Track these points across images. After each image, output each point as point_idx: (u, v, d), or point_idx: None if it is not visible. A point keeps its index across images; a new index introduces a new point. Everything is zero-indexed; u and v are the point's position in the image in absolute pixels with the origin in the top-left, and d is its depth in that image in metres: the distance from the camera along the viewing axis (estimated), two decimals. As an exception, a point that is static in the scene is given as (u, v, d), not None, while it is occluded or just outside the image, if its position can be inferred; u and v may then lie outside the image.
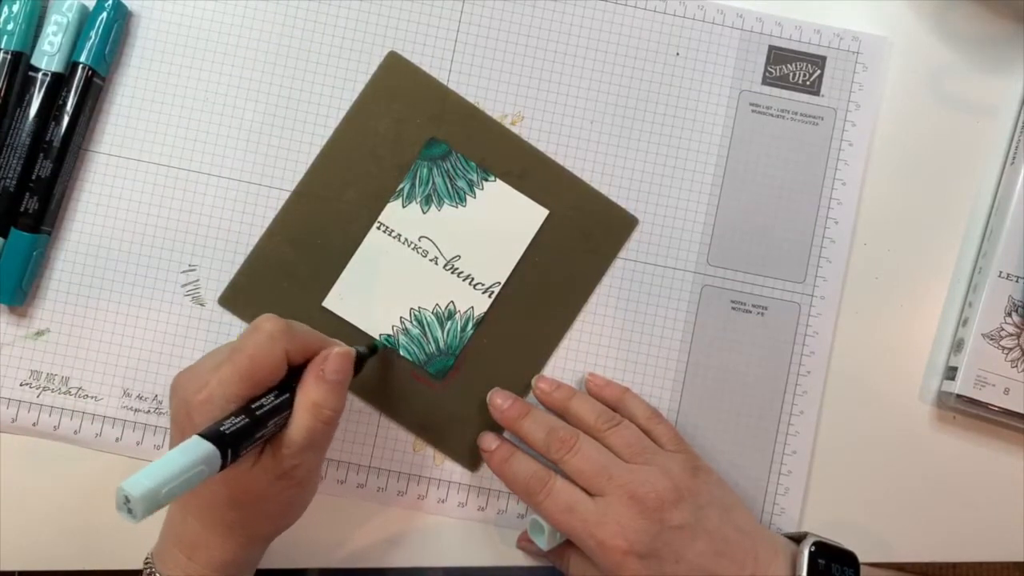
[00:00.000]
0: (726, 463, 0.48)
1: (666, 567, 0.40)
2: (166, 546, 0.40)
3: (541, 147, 0.49)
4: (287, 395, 0.37)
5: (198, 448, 0.32)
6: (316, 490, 0.41)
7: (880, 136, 0.50)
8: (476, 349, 0.48)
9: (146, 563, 0.40)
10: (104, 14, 0.46)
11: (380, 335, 0.47)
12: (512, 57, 0.49)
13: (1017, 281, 0.47)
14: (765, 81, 0.49)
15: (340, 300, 0.48)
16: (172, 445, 0.38)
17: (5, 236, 0.46)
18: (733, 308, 0.49)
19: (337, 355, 0.39)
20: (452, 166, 0.48)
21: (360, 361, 0.43)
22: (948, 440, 0.49)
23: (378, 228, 0.48)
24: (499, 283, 0.48)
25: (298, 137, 0.48)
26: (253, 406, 0.36)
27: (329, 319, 0.47)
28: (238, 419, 0.34)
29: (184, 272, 0.48)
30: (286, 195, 0.48)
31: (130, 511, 0.28)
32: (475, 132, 0.48)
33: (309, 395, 0.38)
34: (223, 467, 0.33)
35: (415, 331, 0.48)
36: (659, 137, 0.49)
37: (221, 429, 0.33)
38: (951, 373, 0.48)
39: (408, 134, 0.48)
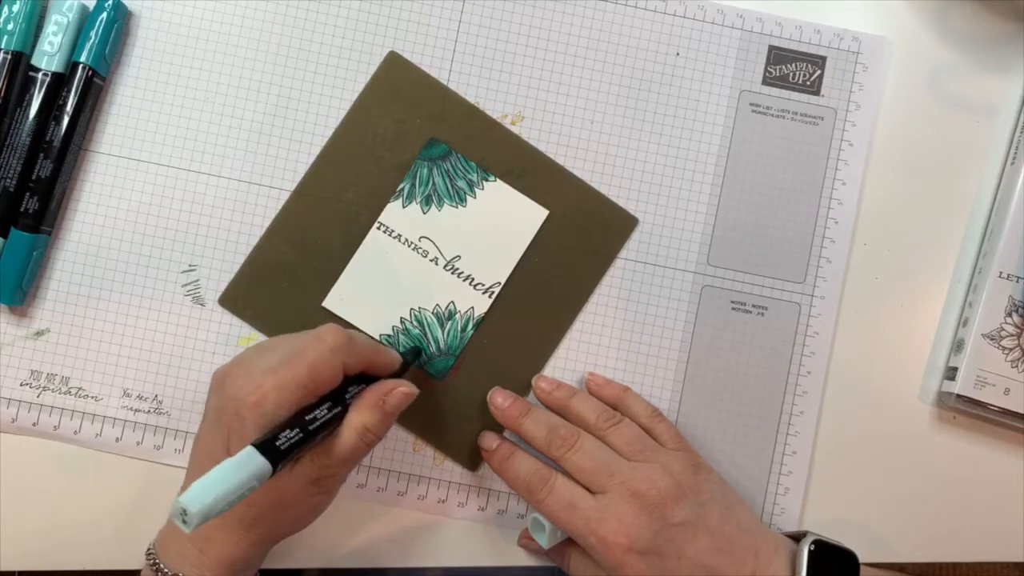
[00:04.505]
0: (726, 463, 0.48)
1: (667, 564, 0.40)
2: (177, 537, 0.39)
3: (541, 147, 0.49)
4: (339, 409, 0.38)
5: (254, 463, 0.32)
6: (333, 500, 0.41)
7: (880, 136, 0.50)
8: (476, 349, 0.48)
9: (148, 554, 0.40)
10: (104, 14, 0.46)
11: (380, 335, 0.47)
12: (512, 57, 0.49)
13: (1017, 281, 0.47)
14: (765, 81, 0.49)
15: (340, 300, 0.47)
16: (205, 435, 0.39)
17: (5, 236, 0.46)
18: (733, 308, 0.49)
19: (402, 393, 0.40)
20: (452, 166, 0.48)
21: (403, 368, 0.44)
22: (948, 440, 0.49)
23: (378, 228, 0.48)
24: (499, 283, 0.48)
25: (298, 137, 0.48)
26: (307, 418, 0.36)
27: (329, 319, 0.47)
28: (292, 433, 0.35)
29: (184, 272, 0.48)
30: (286, 195, 0.48)
31: (185, 522, 0.30)
32: (475, 132, 0.48)
33: (362, 418, 0.38)
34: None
35: (415, 331, 0.48)
36: (659, 137, 0.49)
37: (277, 444, 0.34)
38: (951, 373, 0.48)
39: (408, 134, 0.48)
